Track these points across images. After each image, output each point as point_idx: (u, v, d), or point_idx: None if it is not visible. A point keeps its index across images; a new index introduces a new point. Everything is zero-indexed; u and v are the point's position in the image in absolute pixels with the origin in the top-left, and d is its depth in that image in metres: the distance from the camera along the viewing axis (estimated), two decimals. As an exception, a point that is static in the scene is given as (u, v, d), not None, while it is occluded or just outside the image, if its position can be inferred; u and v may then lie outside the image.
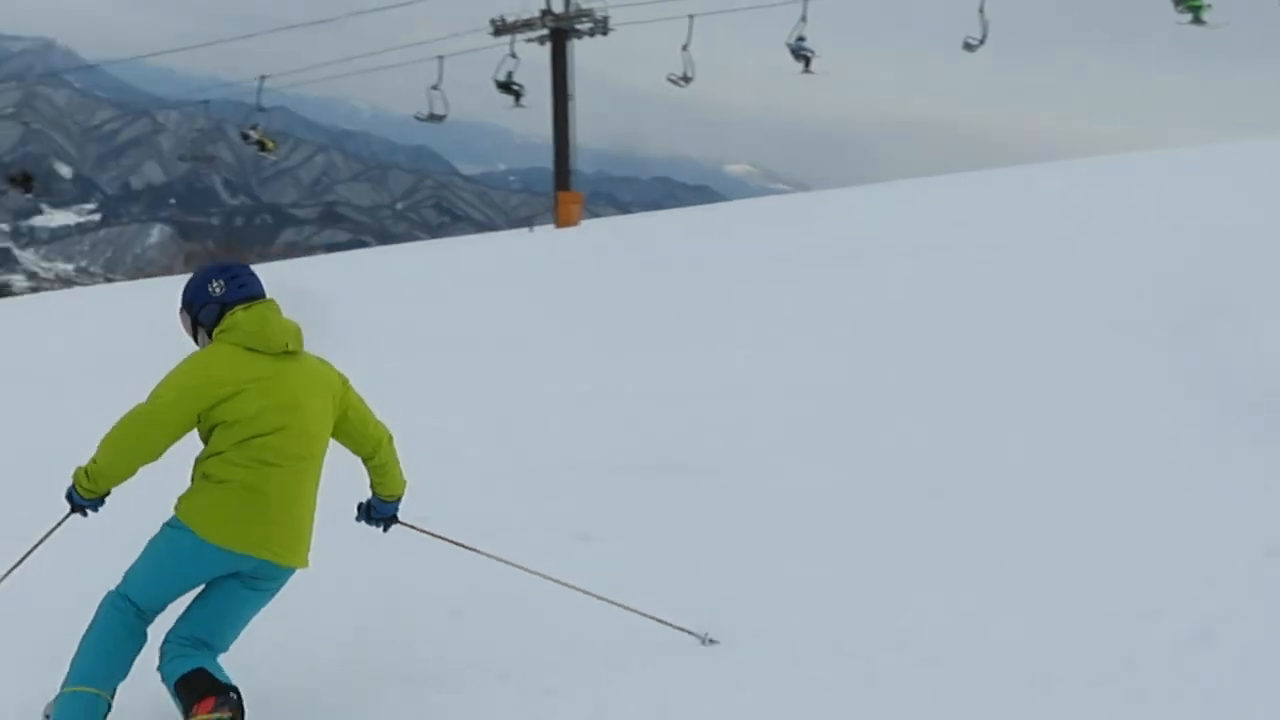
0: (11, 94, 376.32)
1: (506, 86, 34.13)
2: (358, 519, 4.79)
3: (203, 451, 4.09)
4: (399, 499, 4.74)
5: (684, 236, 22.51)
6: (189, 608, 4.17)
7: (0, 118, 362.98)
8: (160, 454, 4.00)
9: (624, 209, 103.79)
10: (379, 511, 4.75)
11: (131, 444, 3.97)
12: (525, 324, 14.49)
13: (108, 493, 4.12)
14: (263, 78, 36.36)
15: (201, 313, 4.21)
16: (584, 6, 34.14)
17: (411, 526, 4.90)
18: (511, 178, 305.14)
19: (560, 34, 34.34)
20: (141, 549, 4.16)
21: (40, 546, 4.40)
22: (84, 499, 4.10)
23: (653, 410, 9.79)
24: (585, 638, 5.07)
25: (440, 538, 5.02)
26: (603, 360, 11.93)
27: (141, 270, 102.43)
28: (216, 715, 3.74)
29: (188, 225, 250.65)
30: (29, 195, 25.40)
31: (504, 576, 5.20)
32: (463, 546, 5.09)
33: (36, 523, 4.52)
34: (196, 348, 4.23)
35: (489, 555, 5.09)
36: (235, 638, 4.19)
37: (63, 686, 3.97)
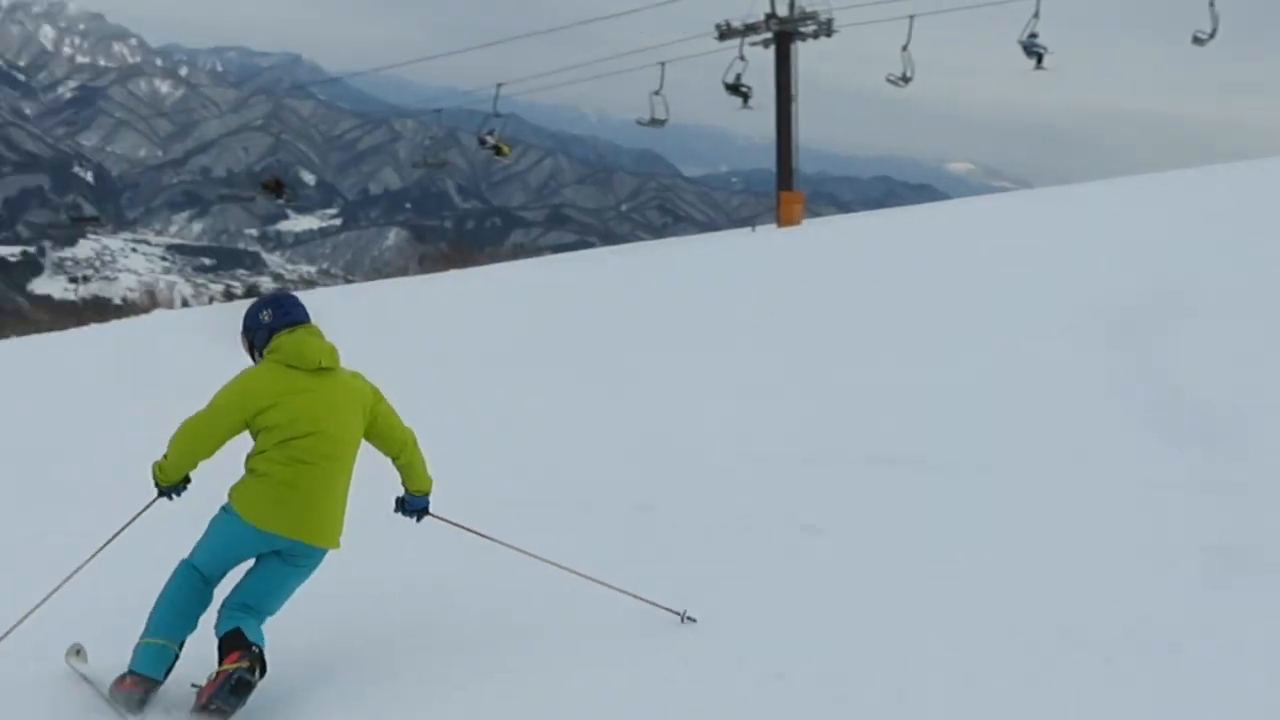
0: (262, 107, 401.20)
1: (735, 88, 34.63)
2: (394, 511, 5.59)
3: (251, 449, 5.01)
4: (427, 494, 5.52)
5: (905, 234, 22.37)
6: (242, 578, 5.08)
7: (251, 129, 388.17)
8: (214, 451, 4.97)
9: (845, 208, 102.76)
10: (411, 505, 5.55)
11: (191, 444, 4.95)
12: (752, 320, 14.77)
13: (184, 480, 5.08)
14: (499, 85, 38.06)
15: (255, 336, 5.13)
16: (808, 9, 34.29)
17: (442, 519, 5.60)
18: (734, 179, 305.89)
19: (785, 36, 34.63)
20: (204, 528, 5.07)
21: (134, 523, 5.35)
22: (163, 487, 5.08)
23: (882, 403, 9.87)
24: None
25: (467, 529, 5.68)
26: (829, 355, 12.07)
27: (379, 271, 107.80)
28: (236, 665, 4.60)
29: (422, 228, 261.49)
30: (280, 201, 27.19)
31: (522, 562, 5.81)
32: (494, 541, 5.76)
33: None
34: (252, 364, 5.15)
35: (520, 550, 5.76)
36: (280, 605, 5.07)
37: (140, 637, 4.86)
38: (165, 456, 5.05)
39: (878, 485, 7.62)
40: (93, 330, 34.22)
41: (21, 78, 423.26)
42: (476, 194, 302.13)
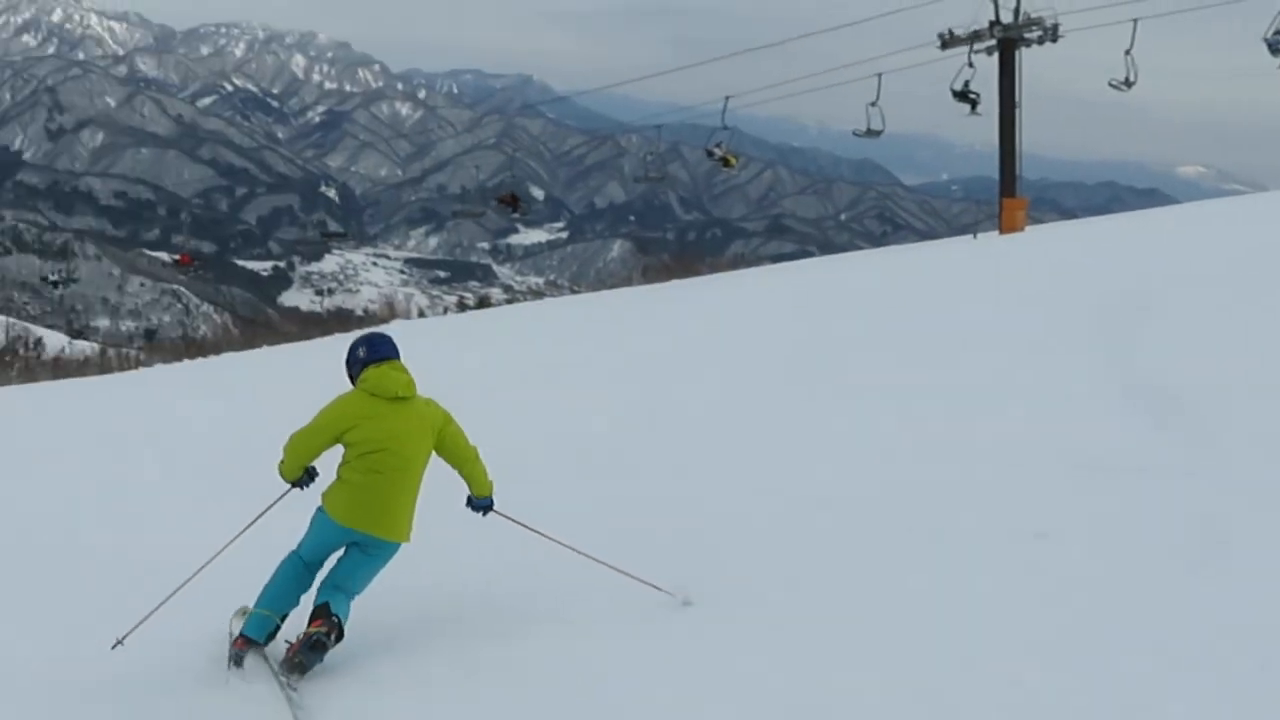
0: (495, 126, 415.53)
1: (963, 95, 34.24)
2: (465, 506, 6.72)
3: (340, 459, 6.14)
4: (488, 497, 6.64)
5: (1132, 237, 21.67)
6: (335, 564, 6.22)
7: (484, 148, 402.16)
8: (315, 458, 6.25)
9: (1068, 214, 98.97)
10: (475, 505, 6.68)
11: (297, 452, 6.20)
12: (981, 323, 14.64)
13: (305, 476, 6.34)
14: (727, 98, 38.75)
15: (352, 369, 6.27)
16: (1033, 15, 33.62)
17: (504, 515, 6.75)
18: (954, 186, 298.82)
19: (1009, 43, 34.05)
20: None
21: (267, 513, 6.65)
22: (290, 482, 6.35)
23: (1107, 408, 9.77)
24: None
25: (523, 525, 6.79)
26: (1064, 357, 11.86)
27: (603, 282, 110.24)
28: (317, 630, 5.76)
29: (645, 240, 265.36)
30: (515, 214, 28.44)
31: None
32: (542, 535, 6.83)
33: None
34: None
35: (560, 541, 6.83)
36: (361, 586, 6.18)
37: (254, 606, 6.09)
38: (282, 462, 6.33)
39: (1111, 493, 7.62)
40: (336, 339, 36.66)
41: (275, 104, 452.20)
42: (698, 206, 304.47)
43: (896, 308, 17.64)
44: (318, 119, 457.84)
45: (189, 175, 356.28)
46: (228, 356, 37.30)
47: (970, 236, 33.69)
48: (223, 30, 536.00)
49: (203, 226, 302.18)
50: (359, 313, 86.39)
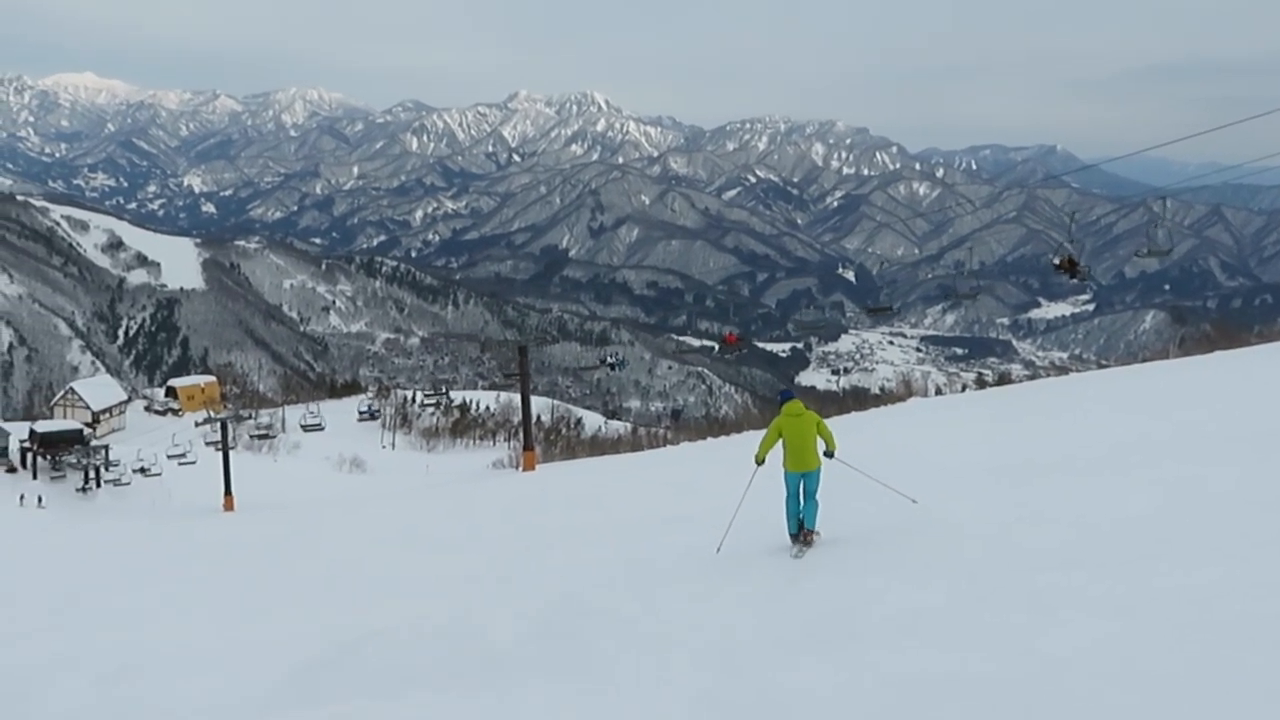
0: (1015, 200, 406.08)
1: None
2: (824, 454, 12.84)
3: (781, 446, 12.79)
4: (831, 452, 12.86)
5: None
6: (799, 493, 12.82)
7: (1003, 222, 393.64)
8: (768, 451, 12.95)
9: None
10: (826, 454, 12.83)
11: (762, 446, 13.04)
12: None
13: (762, 461, 13.15)
14: (1292, 153, 35.00)
15: (780, 404, 13.14)
16: None
17: (844, 462, 13.97)
18: None
19: None
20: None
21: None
22: (758, 463, 13.25)
23: None
24: None
25: (860, 471, 14.45)
26: None
27: (1133, 355, 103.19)
28: (809, 534, 12.70)
29: (1181, 309, 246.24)
30: (1074, 279, 27.22)
31: None
32: (880, 483, 14.43)
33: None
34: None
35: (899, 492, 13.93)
36: (816, 493, 12.65)
37: (787, 522, 12.90)
38: (757, 452, 13.15)
39: None
40: (852, 419, 37.02)
41: (794, 192, 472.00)
42: (1244, 271, 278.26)
43: None
44: (835, 203, 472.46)
45: (714, 264, 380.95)
46: (748, 434, 38.98)
47: None
48: (747, 126, 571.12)
49: (725, 311, 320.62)
50: (874, 390, 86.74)
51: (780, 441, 12.60)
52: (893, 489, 14.00)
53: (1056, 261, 26.59)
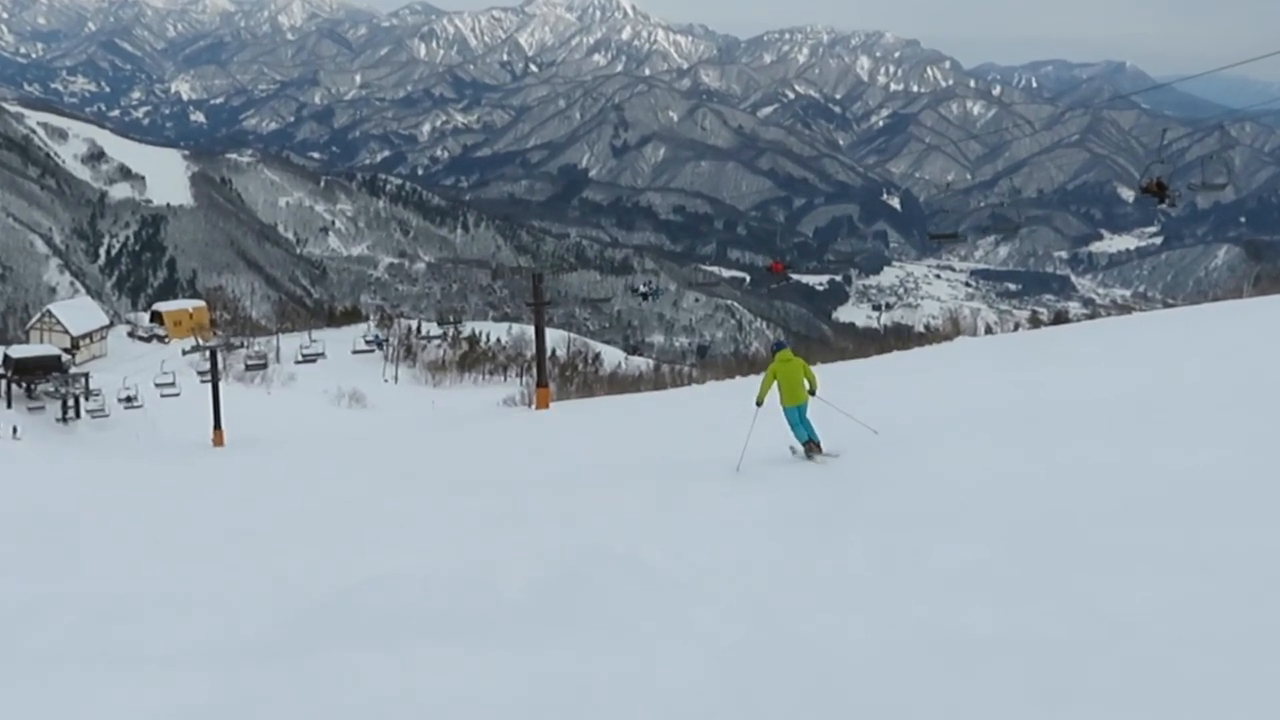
0: (1078, 121, 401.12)
1: None
2: (809, 393, 17.24)
3: (779, 388, 17.18)
4: (814, 391, 17.14)
5: None
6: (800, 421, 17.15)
7: (1065, 146, 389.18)
8: (766, 394, 17.26)
9: None
10: (810, 392, 17.16)
11: (761, 389, 17.40)
12: None
13: (761, 403, 17.33)
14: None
15: (771, 352, 18.64)
16: None
17: (824, 400, 17.29)
18: None
19: None
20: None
21: None
22: (758, 405, 17.43)
23: None
24: None
25: (831, 405, 17.43)
26: None
27: (1202, 293, 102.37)
28: (816, 449, 16.73)
29: (1257, 244, 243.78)
30: (1162, 205, 26.67)
31: None
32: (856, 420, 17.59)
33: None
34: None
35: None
36: (810, 425, 16.92)
37: (797, 440, 17.14)
38: (757, 395, 17.45)
39: None
40: (895, 358, 36.94)
41: (837, 110, 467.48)
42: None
43: None
44: (881, 123, 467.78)
45: (747, 187, 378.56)
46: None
47: None
48: (786, 36, 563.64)
49: (758, 240, 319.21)
50: (919, 328, 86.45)
51: (775, 384, 17.10)
52: (857, 420, 17.46)
53: (1144, 184, 26.05)
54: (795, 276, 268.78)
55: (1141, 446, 12.69)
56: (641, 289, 62.97)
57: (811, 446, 16.74)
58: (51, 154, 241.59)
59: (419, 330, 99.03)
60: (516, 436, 32.05)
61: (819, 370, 19.67)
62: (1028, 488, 11.67)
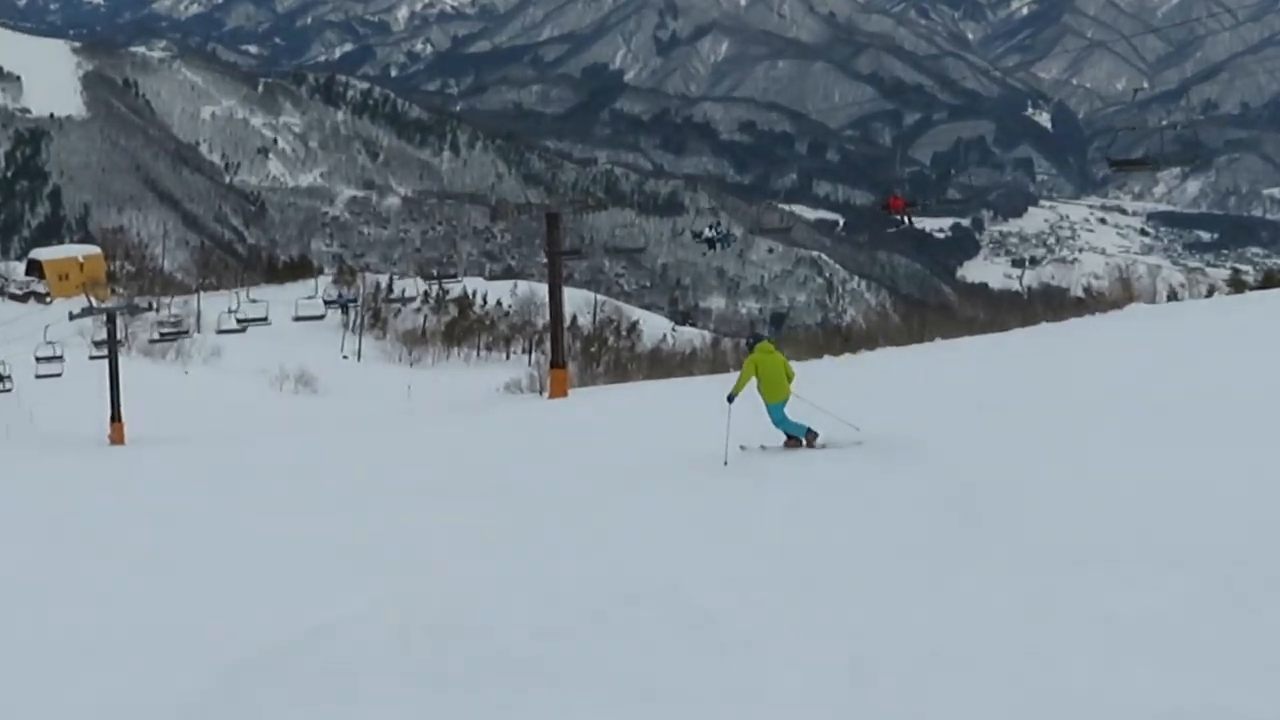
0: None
1: None
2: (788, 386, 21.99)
3: (758, 384, 21.49)
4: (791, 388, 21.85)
5: None
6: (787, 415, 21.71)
7: (1275, 44, 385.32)
8: (743, 388, 21.33)
9: None
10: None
11: (738, 384, 21.57)
12: None
13: (731, 400, 21.28)
14: None
15: (749, 345, 22.51)
16: None
17: (798, 396, 21.29)
18: None
19: None
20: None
21: None
22: (730, 400, 21.36)
23: None
24: None
25: (818, 408, 21.17)
26: None
27: None
28: (813, 438, 21.31)
29: None
30: None
31: None
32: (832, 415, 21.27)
33: None
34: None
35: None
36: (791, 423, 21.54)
37: (793, 432, 21.57)
38: (731, 390, 21.47)
39: None
40: (1043, 331, 36.77)
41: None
42: None
43: None
44: (1025, 10, 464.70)
45: (840, 97, 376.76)
46: (885, 353, 39.03)
47: None
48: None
49: (856, 169, 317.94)
50: (1076, 292, 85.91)
51: (759, 379, 21.07)
52: (841, 419, 21.03)
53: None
54: (907, 220, 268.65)
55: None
56: (707, 233, 62.14)
57: (813, 436, 21.10)
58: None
59: (390, 289, 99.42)
60: (522, 433, 32.18)
61: (936, 347, 20.09)
62: (1221, 512, 11.59)
